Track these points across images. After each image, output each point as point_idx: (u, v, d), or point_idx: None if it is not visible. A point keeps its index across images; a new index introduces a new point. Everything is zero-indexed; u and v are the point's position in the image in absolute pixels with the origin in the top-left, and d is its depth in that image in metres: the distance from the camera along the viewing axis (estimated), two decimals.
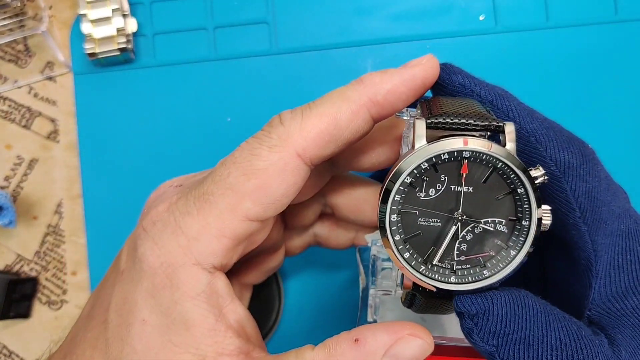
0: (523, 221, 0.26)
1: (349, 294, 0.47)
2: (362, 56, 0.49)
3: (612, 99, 0.48)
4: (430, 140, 0.26)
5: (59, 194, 0.49)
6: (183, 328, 0.26)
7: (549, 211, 0.26)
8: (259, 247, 0.33)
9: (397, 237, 0.26)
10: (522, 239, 0.26)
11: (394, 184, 0.26)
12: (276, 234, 0.35)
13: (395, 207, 0.26)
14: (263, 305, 0.46)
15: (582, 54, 0.48)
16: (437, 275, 0.26)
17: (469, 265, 0.27)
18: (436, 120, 0.26)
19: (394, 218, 0.26)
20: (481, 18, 0.48)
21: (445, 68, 0.29)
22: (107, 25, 0.47)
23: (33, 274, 0.49)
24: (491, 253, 0.26)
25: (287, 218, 0.36)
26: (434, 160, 0.26)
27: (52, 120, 0.50)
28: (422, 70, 0.28)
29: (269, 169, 0.27)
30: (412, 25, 0.49)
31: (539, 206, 0.26)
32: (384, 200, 0.26)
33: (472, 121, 0.26)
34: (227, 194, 0.27)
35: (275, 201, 0.27)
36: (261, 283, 0.42)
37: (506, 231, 0.26)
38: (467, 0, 0.48)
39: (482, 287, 0.26)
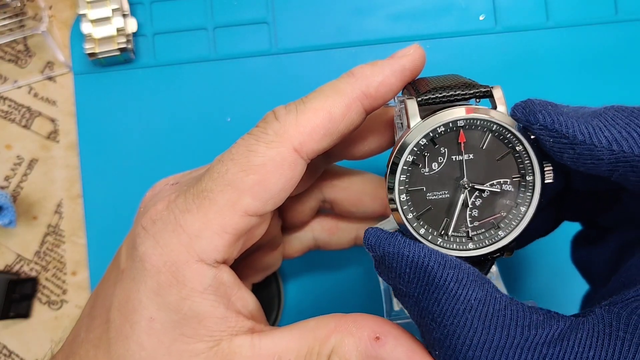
0: (527, 177, 0.27)
1: (349, 295, 0.47)
2: (362, 56, 0.49)
3: (612, 99, 0.48)
4: (424, 117, 0.26)
5: (59, 194, 0.49)
6: (195, 321, 0.27)
7: (549, 165, 0.26)
8: (257, 244, 0.33)
9: (410, 216, 0.27)
10: (530, 194, 0.27)
11: (398, 165, 0.26)
12: (273, 229, 0.35)
13: (402, 187, 0.27)
14: (263, 306, 0.46)
15: (582, 54, 0.48)
16: (454, 245, 0.27)
17: (483, 229, 0.27)
18: (426, 97, 0.27)
19: (403, 198, 0.27)
20: (481, 18, 0.48)
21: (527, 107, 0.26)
22: (107, 25, 0.47)
23: (33, 274, 0.49)
24: (502, 213, 0.27)
25: (284, 214, 0.37)
26: (431, 135, 0.26)
27: (52, 120, 0.50)
28: (410, 60, 0.29)
29: (267, 164, 0.27)
30: (412, 25, 0.49)
31: (539, 159, 0.26)
32: (391, 186, 0.27)
33: (460, 91, 0.26)
34: (227, 190, 0.27)
35: (274, 196, 0.28)
36: (261, 284, 0.41)
37: (513, 190, 0.27)
38: (467, 0, 0.48)
39: (500, 248, 0.27)
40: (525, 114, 0.25)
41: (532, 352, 0.22)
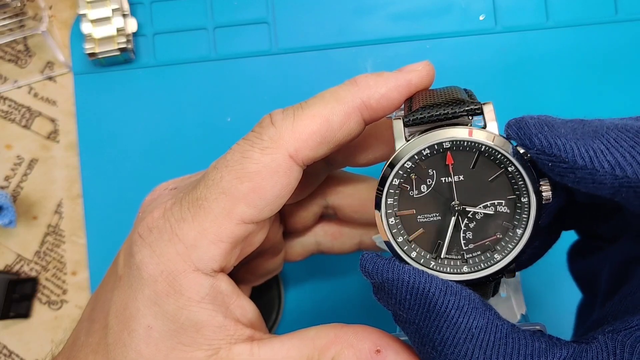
0: (522, 198, 0.26)
1: (350, 302, 0.47)
2: (362, 56, 0.49)
3: (612, 99, 0.48)
4: (412, 137, 0.26)
5: (59, 194, 0.49)
6: (193, 330, 0.26)
7: (546, 183, 0.25)
8: (258, 250, 0.33)
9: (400, 239, 0.26)
10: (525, 216, 0.26)
11: (383, 190, 0.26)
12: (274, 235, 0.35)
13: (391, 211, 0.26)
14: (263, 309, 0.46)
15: (582, 54, 0.48)
16: (448, 268, 0.26)
17: (479, 252, 0.26)
18: (413, 117, 0.26)
19: (392, 221, 0.26)
20: (481, 18, 0.48)
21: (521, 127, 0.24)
22: (107, 25, 0.47)
23: (33, 274, 0.49)
24: (498, 235, 0.26)
25: (286, 220, 0.36)
26: (417, 157, 0.26)
27: (52, 120, 0.50)
28: (417, 76, 0.28)
29: (261, 171, 0.26)
30: (412, 25, 0.49)
31: (533, 180, 0.25)
32: (378, 207, 0.26)
33: (449, 110, 0.26)
34: (221, 198, 0.27)
35: (269, 203, 0.27)
36: (262, 287, 0.41)
37: (508, 211, 0.26)
38: (467, 0, 0.48)
39: (496, 272, 0.26)
40: (521, 137, 0.24)
41: None
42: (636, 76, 0.48)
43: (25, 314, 0.48)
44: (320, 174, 0.34)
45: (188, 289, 0.27)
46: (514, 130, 0.24)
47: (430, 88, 0.29)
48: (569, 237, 0.34)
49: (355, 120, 0.28)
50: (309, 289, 0.48)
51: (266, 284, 0.44)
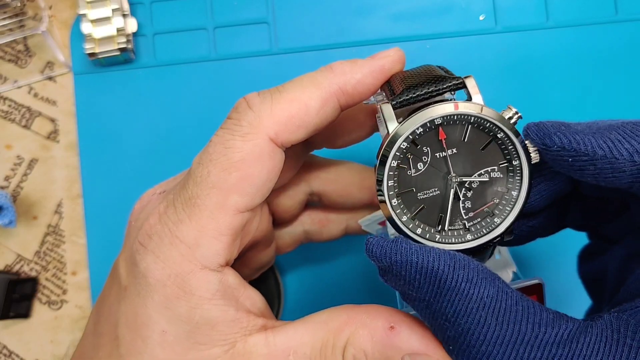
0: (513, 161, 0.27)
1: (349, 283, 0.47)
2: (362, 56, 0.48)
3: (612, 99, 0.48)
4: (406, 117, 0.27)
5: (59, 194, 0.49)
6: (207, 328, 0.27)
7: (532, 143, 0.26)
8: (251, 241, 0.33)
9: (405, 218, 0.27)
10: (519, 177, 0.27)
11: (383, 174, 0.27)
12: (265, 225, 0.35)
13: (392, 193, 0.27)
14: None
15: (582, 54, 0.48)
16: (453, 239, 0.27)
17: (479, 219, 0.28)
18: (400, 99, 0.27)
19: (394, 202, 0.27)
20: (481, 18, 0.48)
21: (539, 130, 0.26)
22: (107, 25, 0.47)
23: (33, 274, 0.49)
24: (495, 200, 0.28)
25: (274, 210, 0.37)
26: (411, 137, 0.26)
27: (52, 120, 0.50)
28: (389, 62, 0.29)
29: (246, 159, 0.27)
30: (412, 25, 0.49)
31: (521, 142, 0.26)
32: (381, 191, 0.27)
33: (433, 88, 0.27)
34: (213, 193, 0.27)
35: (259, 188, 0.28)
36: (259, 280, 0.41)
37: (502, 176, 0.28)
38: (467, 0, 0.48)
39: (498, 235, 0.27)
40: (541, 137, 0.25)
41: (542, 351, 0.22)
42: (636, 76, 0.48)
43: (25, 314, 0.48)
44: (300, 155, 0.34)
45: (198, 288, 0.27)
46: (533, 131, 0.25)
47: (405, 71, 0.30)
48: (574, 239, 0.34)
49: (332, 106, 0.28)
50: (306, 277, 0.48)
51: (263, 277, 0.44)
